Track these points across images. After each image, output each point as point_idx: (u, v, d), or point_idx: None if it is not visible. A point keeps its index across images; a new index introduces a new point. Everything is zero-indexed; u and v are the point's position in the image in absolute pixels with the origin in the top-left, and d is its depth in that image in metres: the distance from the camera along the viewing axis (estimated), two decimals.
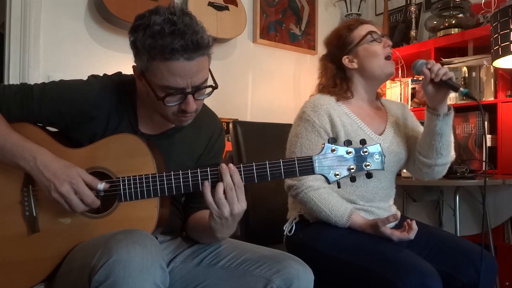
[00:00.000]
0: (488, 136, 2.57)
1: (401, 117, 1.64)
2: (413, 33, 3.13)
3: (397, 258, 1.27)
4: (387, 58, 1.53)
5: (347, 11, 3.47)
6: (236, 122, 1.88)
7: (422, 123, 1.54)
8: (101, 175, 1.12)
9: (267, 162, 1.09)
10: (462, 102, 2.70)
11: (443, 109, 1.43)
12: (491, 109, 2.56)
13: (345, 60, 1.54)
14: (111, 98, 1.19)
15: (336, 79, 1.56)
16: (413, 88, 2.99)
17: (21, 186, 1.13)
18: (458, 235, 2.13)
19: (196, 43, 1.04)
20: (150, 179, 1.10)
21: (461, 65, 2.76)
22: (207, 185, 1.07)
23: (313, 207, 1.42)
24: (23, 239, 1.12)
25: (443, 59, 2.83)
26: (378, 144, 1.11)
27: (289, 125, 1.57)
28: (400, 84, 3.05)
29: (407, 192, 2.68)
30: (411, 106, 2.99)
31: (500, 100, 2.53)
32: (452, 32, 2.82)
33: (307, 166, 1.09)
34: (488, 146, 2.56)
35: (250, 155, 1.82)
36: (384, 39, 1.54)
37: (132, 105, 1.22)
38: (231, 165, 1.08)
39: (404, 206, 2.70)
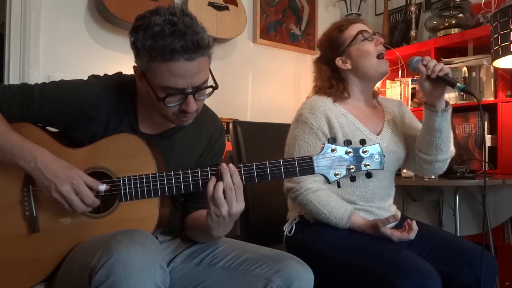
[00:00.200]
0: (488, 136, 2.57)
1: (398, 115, 1.63)
2: (413, 33, 3.13)
3: (397, 258, 1.27)
4: (380, 56, 1.52)
5: (347, 11, 3.47)
6: (236, 122, 1.88)
7: (421, 123, 1.54)
8: (101, 175, 1.12)
9: (267, 162, 1.09)
10: (462, 102, 2.71)
11: (441, 105, 1.43)
12: (491, 109, 2.56)
13: (339, 61, 1.54)
14: (112, 98, 1.19)
15: (332, 81, 1.55)
16: (413, 88, 2.99)
17: (21, 186, 1.13)
18: (458, 235, 2.13)
19: (196, 44, 1.04)
20: (151, 179, 1.10)
21: (461, 65, 2.76)
22: (213, 179, 1.07)
23: (312, 209, 1.42)
24: (23, 239, 1.12)
25: (443, 59, 2.83)
26: (378, 144, 1.11)
27: (289, 125, 1.56)
28: (400, 84, 3.05)
29: (407, 192, 2.68)
30: (411, 106, 2.99)
31: (500, 100, 2.53)
32: (452, 32, 2.82)
33: (307, 166, 1.10)
34: (488, 146, 2.56)
35: (250, 155, 1.82)
36: (376, 37, 1.53)
37: (132, 105, 1.22)
38: (231, 165, 1.08)
39: (404, 206, 2.71)
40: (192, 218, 1.28)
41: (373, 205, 1.49)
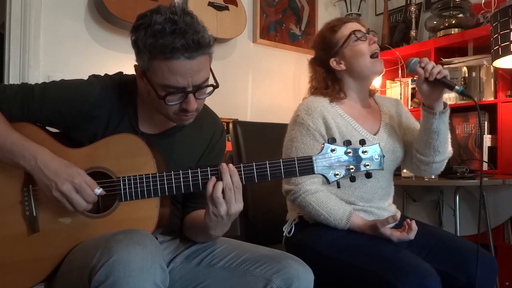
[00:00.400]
0: (488, 136, 2.57)
1: (395, 114, 1.63)
2: (413, 33, 3.13)
3: (396, 258, 1.27)
4: (374, 55, 1.50)
5: (347, 11, 3.47)
6: (236, 122, 1.88)
7: (419, 122, 1.53)
8: (101, 175, 1.12)
9: (267, 162, 1.10)
10: (462, 102, 2.71)
11: (439, 107, 1.43)
12: (491, 109, 2.56)
13: (333, 62, 1.53)
14: (112, 98, 1.19)
15: (327, 81, 1.55)
16: (413, 88, 2.99)
17: (21, 186, 1.13)
18: (458, 235, 2.13)
19: (197, 42, 1.04)
20: (151, 179, 1.10)
21: (461, 65, 2.76)
22: (213, 179, 1.07)
23: (311, 211, 1.42)
24: (23, 239, 1.12)
25: (443, 59, 2.84)
26: (377, 145, 1.11)
27: None
28: (400, 84, 3.05)
29: (407, 192, 2.68)
30: (411, 106, 2.99)
31: (500, 100, 2.53)
32: (452, 32, 2.82)
33: (307, 166, 1.10)
34: (488, 146, 2.56)
35: (250, 155, 1.82)
36: (369, 36, 1.51)
37: (132, 105, 1.22)
38: (231, 165, 1.08)
39: (404, 206, 2.71)
40: (191, 218, 1.28)
41: (373, 205, 1.49)
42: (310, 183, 1.42)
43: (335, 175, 1.10)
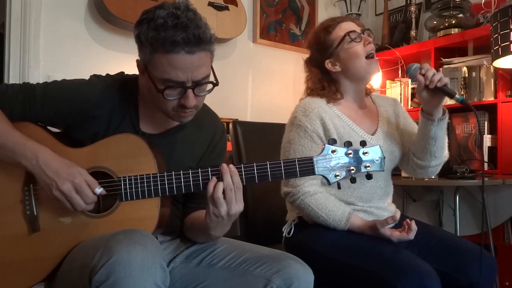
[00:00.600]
0: (488, 136, 2.57)
1: (393, 114, 1.62)
2: (413, 33, 3.13)
3: (396, 259, 1.27)
4: (369, 56, 1.49)
5: (347, 11, 3.47)
6: (236, 122, 1.88)
7: (417, 123, 1.53)
8: (102, 174, 1.12)
9: (267, 163, 1.10)
10: None
11: (438, 113, 1.42)
12: (491, 109, 2.56)
13: (328, 64, 1.51)
14: (113, 98, 1.20)
15: (323, 82, 1.53)
16: (413, 88, 2.99)
17: (22, 185, 1.13)
18: (458, 235, 2.13)
19: (197, 37, 1.05)
20: (151, 179, 1.10)
21: (461, 65, 2.76)
22: (214, 179, 1.07)
23: (310, 213, 1.42)
24: (24, 239, 1.12)
25: (443, 59, 2.84)
26: (378, 146, 1.11)
27: None
28: (400, 84, 3.05)
29: (407, 192, 2.68)
30: (411, 106, 2.99)
31: (500, 100, 2.53)
32: (452, 32, 2.82)
33: (307, 167, 1.10)
34: (488, 146, 2.56)
35: (250, 155, 1.82)
36: (364, 37, 1.49)
37: (134, 105, 1.22)
38: (231, 166, 1.08)
39: (404, 206, 2.71)
40: (191, 218, 1.28)
41: (372, 205, 1.49)
42: (309, 185, 1.42)
43: (336, 176, 1.10)
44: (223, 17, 2.77)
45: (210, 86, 1.14)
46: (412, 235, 1.35)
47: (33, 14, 2.30)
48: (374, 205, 1.50)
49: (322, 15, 3.43)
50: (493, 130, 2.57)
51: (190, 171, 1.10)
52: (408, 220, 1.38)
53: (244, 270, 1.15)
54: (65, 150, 1.14)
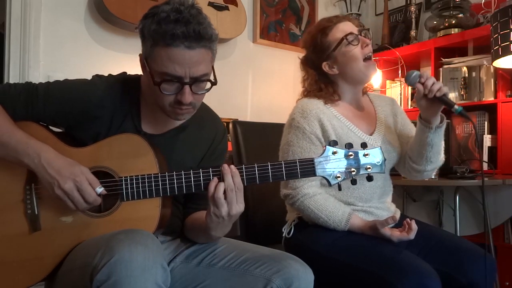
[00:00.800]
0: (488, 136, 2.57)
1: (390, 114, 1.62)
2: (413, 33, 3.13)
3: (396, 259, 1.27)
4: (367, 58, 1.48)
5: (347, 11, 3.47)
6: (236, 122, 1.88)
7: (415, 123, 1.52)
8: (103, 174, 1.13)
9: (269, 164, 1.10)
10: (462, 102, 2.71)
11: (436, 121, 1.41)
12: (491, 109, 2.56)
13: (325, 66, 1.50)
14: (115, 98, 1.20)
15: (320, 84, 1.52)
16: (413, 89, 2.99)
17: (23, 184, 1.14)
18: (458, 235, 2.13)
19: (197, 33, 1.05)
20: (153, 179, 1.10)
21: (461, 65, 2.77)
22: (215, 179, 1.08)
23: (310, 214, 1.42)
24: (25, 237, 1.12)
25: (443, 59, 2.84)
26: (379, 148, 1.11)
27: None
28: (400, 84, 3.05)
29: (407, 192, 2.68)
30: (411, 106, 2.99)
31: (500, 100, 2.53)
32: (452, 32, 2.82)
33: (308, 168, 1.10)
34: (488, 146, 2.57)
35: (250, 155, 1.82)
36: (361, 39, 1.47)
37: (135, 105, 1.22)
38: (232, 166, 1.08)
39: (404, 206, 2.71)
40: (192, 219, 1.28)
41: (372, 205, 1.49)
42: (308, 186, 1.42)
43: (336, 177, 1.10)
44: (223, 17, 2.77)
45: (208, 85, 1.14)
46: (412, 235, 1.35)
47: (33, 14, 2.30)
48: (374, 205, 1.50)
49: (322, 15, 3.42)
50: (493, 130, 2.57)
51: (191, 171, 1.10)
52: (408, 219, 1.38)
53: (244, 270, 1.15)
54: (67, 149, 1.14)
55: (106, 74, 1.25)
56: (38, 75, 2.31)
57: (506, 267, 2.46)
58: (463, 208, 2.42)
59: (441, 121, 1.43)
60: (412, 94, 2.99)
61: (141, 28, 1.10)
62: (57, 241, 1.11)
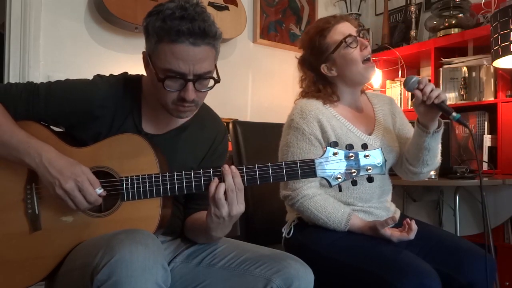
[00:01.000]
0: (488, 136, 2.57)
1: (389, 113, 1.62)
2: (413, 33, 3.13)
3: (396, 259, 1.27)
4: (366, 60, 1.47)
5: (347, 11, 3.47)
6: (236, 122, 1.88)
7: (413, 123, 1.52)
8: (104, 174, 1.13)
9: (269, 164, 1.10)
10: (462, 102, 2.71)
11: (433, 126, 1.41)
12: (491, 109, 2.56)
13: (324, 68, 1.49)
14: (116, 98, 1.20)
15: (319, 85, 1.52)
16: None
17: (24, 183, 1.13)
18: (458, 235, 2.13)
19: (203, 30, 1.06)
20: (153, 179, 1.10)
21: (461, 65, 2.77)
22: (216, 180, 1.08)
23: (310, 215, 1.42)
24: (25, 237, 1.12)
25: (443, 59, 2.84)
26: (380, 149, 1.12)
27: None
28: (400, 85, 3.05)
29: (407, 192, 2.68)
30: (411, 106, 2.99)
31: (500, 100, 2.53)
32: (452, 32, 2.82)
33: (309, 169, 1.10)
34: (488, 146, 2.57)
35: (250, 155, 1.82)
36: (360, 41, 1.46)
37: (137, 105, 1.22)
38: (233, 167, 1.08)
39: (404, 206, 2.71)
40: (192, 219, 1.28)
41: (372, 205, 1.49)
42: (307, 187, 1.42)
43: (337, 178, 1.10)
44: (223, 17, 2.77)
45: (211, 82, 1.14)
46: (412, 235, 1.35)
47: (33, 14, 2.30)
48: (374, 205, 1.50)
49: (322, 15, 3.42)
50: (493, 130, 2.57)
51: (192, 171, 1.10)
52: (408, 219, 1.38)
53: (244, 270, 1.15)
54: (68, 149, 1.14)
55: (106, 74, 1.25)
56: (38, 75, 2.31)
57: (506, 267, 2.46)
58: (463, 208, 2.42)
59: (439, 126, 1.42)
60: (412, 94, 2.99)
61: (146, 25, 1.11)
62: (58, 241, 1.11)
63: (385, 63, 3.15)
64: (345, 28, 1.47)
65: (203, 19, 1.07)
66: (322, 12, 3.45)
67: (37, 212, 1.12)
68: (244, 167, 1.09)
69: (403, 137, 1.58)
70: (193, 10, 1.06)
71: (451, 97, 2.75)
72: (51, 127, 1.22)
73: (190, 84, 1.10)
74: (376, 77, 3.00)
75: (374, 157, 1.10)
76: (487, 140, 2.57)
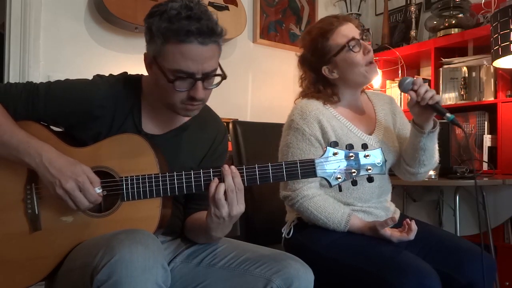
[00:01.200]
0: (488, 136, 2.58)
1: (389, 113, 1.62)
2: (413, 33, 3.13)
3: (396, 259, 1.27)
4: (369, 63, 1.46)
5: (347, 11, 3.47)
6: (236, 122, 1.88)
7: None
8: (104, 174, 1.13)
9: (269, 165, 1.10)
10: (462, 102, 2.71)
11: (428, 126, 1.41)
12: (491, 109, 2.56)
13: (325, 70, 1.48)
14: (116, 98, 1.20)
15: (319, 86, 1.51)
16: None
17: (24, 183, 1.13)
18: (458, 235, 2.13)
19: (211, 29, 1.07)
20: (153, 179, 1.10)
21: (461, 65, 2.77)
22: (216, 180, 1.08)
23: (310, 216, 1.42)
24: (25, 237, 1.12)
25: (443, 59, 2.84)
26: (380, 149, 1.12)
27: None
28: None
29: (407, 192, 2.68)
30: None
31: (500, 100, 2.53)
32: (452, 32, 2.82)
33: (309, 169, 1.10)
34: (488, 146, 2.57)
35: (250, 155, 1.82)
36: (363, 44, 1.45)
37: (136, 105, 1.22)
38: (233, 167, 1.08)
39: (404, 206, 2.71)
40: (192, 219, 1.28)
41: (371, 205, 1.49)
42: (307, 188, 1.42)
43: (337, 178, 1.10)
44: (223, 17, 2.77)
45: (218, 79, 1.15)
46: (412, 236, 1.35)
47: (33, 14, 2.30)
48: (373, 205, 1.50)
49: (322, 15, 3.42)
50: (493, 130, 2.57)
51: (192, 172, 1.10)
52: (408, 220, 1.38)
53: (244, 270, 1.15)
54: (68, 149, 1.14)
55: (106, 74, 1.25)
56: (38, 75, 2.31)
57: (506, 267, 2.46)
58: (463, 208, 2.42)
59: (434, 126, 1.43)
60: None
61: (148, 27, 1.10)
62: (57, 241, 1.11)
63: (385, 63, 3.14)
64: (348, 31, 1.46)
65: (209, 17, 1.08)
66: (322, 12, 3.45)
67: (37, 212, 1.12)
68: (244, 167, 1.09)
69: (403, 137, 1.58)
70: (198, 9, 1.07)
71: (451, 97, 2.75)
72: (51, 127, 1.22)
73: (200, 83, 1.10)
74: (376, 77, 3.00)
75: (374, 157, 1.10)
76: (487, 140, 2.57)
